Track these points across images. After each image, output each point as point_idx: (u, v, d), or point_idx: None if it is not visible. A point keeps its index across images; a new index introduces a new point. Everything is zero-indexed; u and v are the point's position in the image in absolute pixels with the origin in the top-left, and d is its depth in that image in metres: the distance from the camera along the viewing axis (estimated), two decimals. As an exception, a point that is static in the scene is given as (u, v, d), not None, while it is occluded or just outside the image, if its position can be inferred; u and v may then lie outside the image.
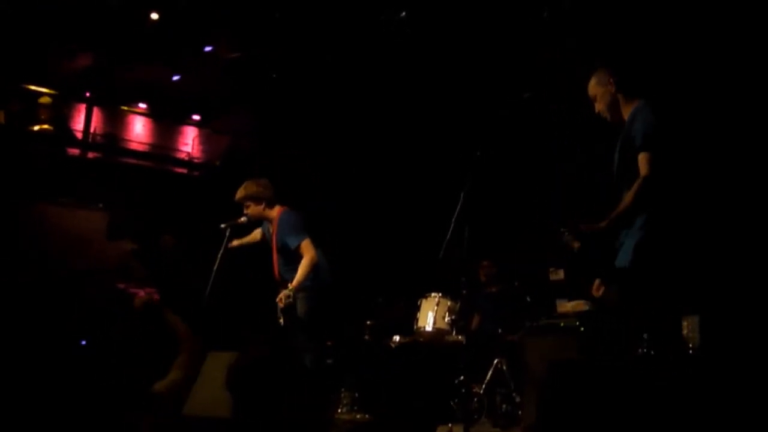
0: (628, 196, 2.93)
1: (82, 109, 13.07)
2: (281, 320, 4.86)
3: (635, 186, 2.91)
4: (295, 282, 4.80)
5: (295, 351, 4.72)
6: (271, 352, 2.72)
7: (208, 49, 9.67)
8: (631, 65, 3.38)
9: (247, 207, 5.03)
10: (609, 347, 2.82)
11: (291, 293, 4.76)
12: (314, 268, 4.86)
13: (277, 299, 4.81)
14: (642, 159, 2.93)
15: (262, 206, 5.01)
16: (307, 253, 4.81)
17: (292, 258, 4.90)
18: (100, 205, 5.30)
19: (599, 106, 3.29)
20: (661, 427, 2.72)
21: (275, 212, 5.03)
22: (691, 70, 5.23)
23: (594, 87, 3.30)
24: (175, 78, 11.01)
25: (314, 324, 4.86)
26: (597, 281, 3.14)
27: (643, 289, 2.87)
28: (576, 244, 3.03)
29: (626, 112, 3.20)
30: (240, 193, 5.04)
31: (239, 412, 2.59)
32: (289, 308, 4.81)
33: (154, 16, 9.07)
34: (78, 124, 12.91)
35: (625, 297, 2.91)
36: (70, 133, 10.50)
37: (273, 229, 5.03)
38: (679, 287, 3.00)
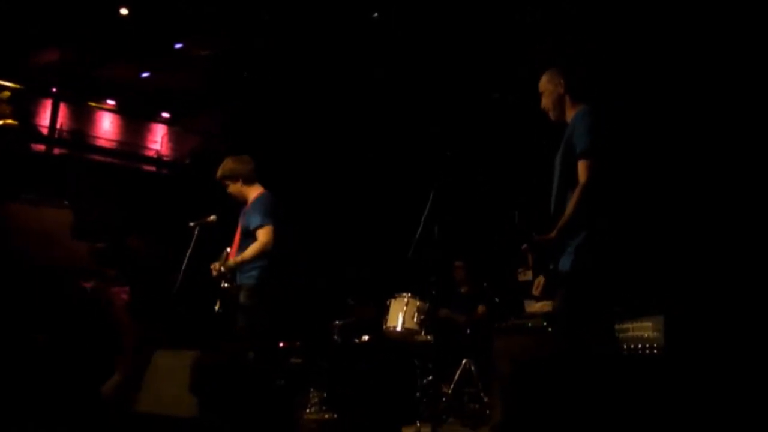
0: (570, 206, 2.96)
1: (48, 104, 12.86)
2: (216, 307, 4.60)
3: (575, 194, 2.94)
4: (238, 258, 4.50)
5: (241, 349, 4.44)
6: (231, 353, 2.71)
7: (178, 46, 9.57)
8: (582, 70, 3.40)
9: (227, 186, 4.80)
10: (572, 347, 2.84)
11: (226, 267, 4.44)
12: (265, 263, 4.52)
13: (211, 266, 4.52)
14: (581, 166, 2.96)
15: (239, 183, 4.77)
16: (264, 238, 4.46)
17: (251, 243, 4.57)
18: (66, 203, 5.20)
19: (546, 103, 3.34)
20: (625, 426, 2.75)
21: (253, 192, 4.77)
22: (639, 77, 5.34)
23: (545, 83, 3.35)
24: (145, 75, 10.89)
25: (257, 323, 4.44)
26: (537, 281, 3.16)
27: (586, 292, 2.89)
28: (531, 257, 3.05)
29: (570, 115, 3.24)
30: (218, 173, 4.81)
31: (206, 412, 2.57)
32: (228, 298, 4.52)
33: (124, 11, 8.94)
34: (44, 119, 12.70)
35: (569, 300, 2.93)
36: (34, 128, 10.33)
37: (245, 209, 4.76)
38: (620, 290, 3.04)
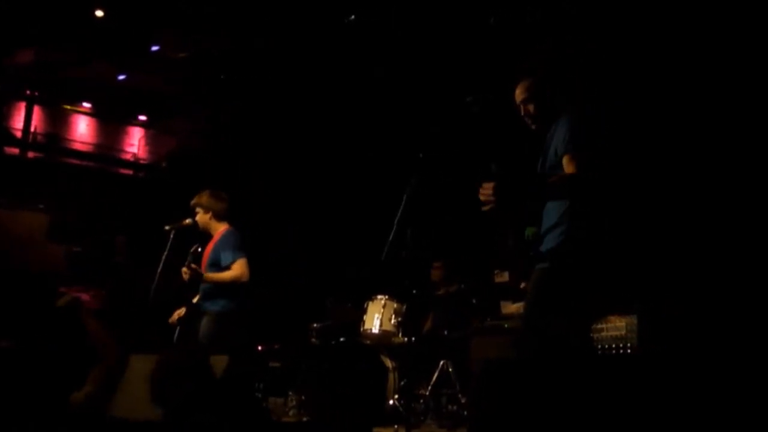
0: (557, 178, 2.97)
1: (22, 107, 12.70)
2: (177, 329, 4.75)
3: (564, 178, 2.95)
4: (209, 275, 4.69)
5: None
6: (190, 357, 2.70)
7: (155, 48, 9.51)
8: (561, 80, 3.40)
9: (197, 213, 5.02)
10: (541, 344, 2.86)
11: (198, 273, 4.61)
12: (235, 290, 4.73)
13: (183, 270, 4.64)
14: (567, 160, 2.97)
15: (209, 216, 4.97)
16: (239, 270, 4.70)
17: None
18: (41, 206, 5.16)
19: (529, 112, 3.29)
20: (597, 426, 2.79)
21: (219, 227, 4.97)
22: (638, 77, 5.41)
23: (522, 94, 3.28)
24: (121, 77, 10.80)
25: (214, 348, 4.48)
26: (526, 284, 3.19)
27: (563, 278, 2.93)
28: (510, 241, 3.08)
29: (551, 123, 3.24)
30: (193, 200, 5.04)
31: (169, 416, 2.57)
32: (189, 322, 4.73)
33: (99, 13, 8.86)
34: (18, 122, 12.54)
35: (547, 285, 2.97)
36: (7, 131, 10.22)
37: (210, 243, 4.97)
38: (598, 289, 3.08)
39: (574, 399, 2.74)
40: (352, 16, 6.92)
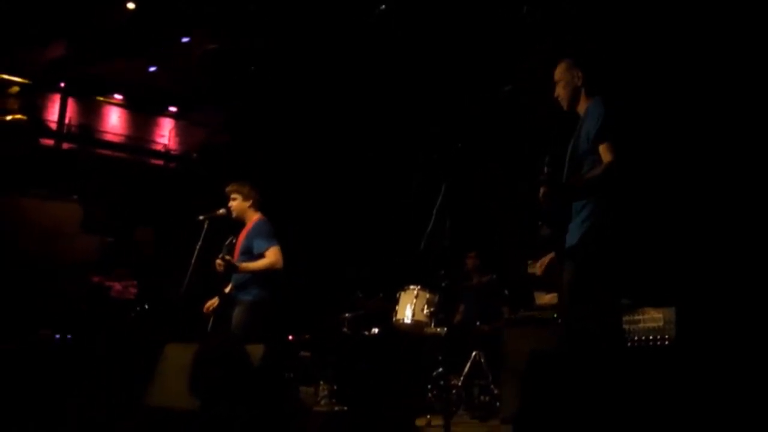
0: (594, 172, 2.98)
1: (57, 99, 12.90)
2: (210, 323, 4.80)
3: (602, 166, 2.95)
4: (244, 265, 4.73)
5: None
6: (227, 346, 2.71)
7: (185, 40, 9.57)
8: (597, 63, 3.40)
9: (234, 199, 5.02)
10: (585, 338, 2.84)
11: (232, 265, 4.64)
12: (268, 279, 4.76)
13: (217, 262, 4.66)
14: (604, 148, 2.98)
15: (248, 204, 5.00)
16: (273, 257, 4.73)
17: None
18: (75, 197, 5.22)
19: (561, 92, 3.32)
20: (640, 417, 2.75)
21: (254, 216, 5.00)
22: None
23: (562, 72, 3.33)
24: (152, 69, 10.88)
25: (247, 337, 4.49)
26: (541, 260, 3.18)
27: (593, 265, 2.92)
28: (545, 230, 3.08)
29: (583, 107, 3.26)
30: (232, 186, 5.05)
31: (206, 405, 2.57)
32: (223, 312, 4.78)
33: (131, 5, 8.94)
34: (52, 114, 12.74)
35: (575, 278, 2.96)
36: (43, 123, 10.38)
37: (243, 232, 5.00)
38: (627, 276, 3.06)
39: (612, 391, 2.72)
40: (383, 6, 6.88)
